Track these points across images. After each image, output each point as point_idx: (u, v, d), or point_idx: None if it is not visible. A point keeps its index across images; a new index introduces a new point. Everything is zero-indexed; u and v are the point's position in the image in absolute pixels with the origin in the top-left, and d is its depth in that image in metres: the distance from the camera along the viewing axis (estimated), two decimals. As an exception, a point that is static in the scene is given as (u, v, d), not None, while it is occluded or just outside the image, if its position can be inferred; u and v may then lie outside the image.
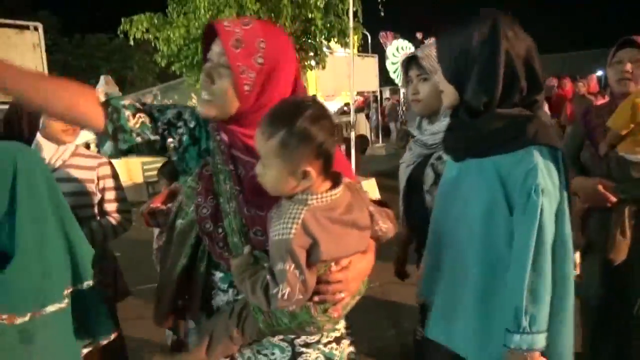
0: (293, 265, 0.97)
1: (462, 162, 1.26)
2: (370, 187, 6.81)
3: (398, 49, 12.44)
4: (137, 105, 1.20)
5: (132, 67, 20.90)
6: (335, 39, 8.09)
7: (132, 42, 7.65)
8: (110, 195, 1.96)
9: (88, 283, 1.28)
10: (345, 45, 8.17)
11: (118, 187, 1.99)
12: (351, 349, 1.32)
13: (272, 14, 7.23)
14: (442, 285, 1.32)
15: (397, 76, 11.78)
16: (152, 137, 1.18)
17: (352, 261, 1.09)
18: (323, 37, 7.66)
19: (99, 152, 1.40)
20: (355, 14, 7.56)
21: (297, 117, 0.97)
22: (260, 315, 1.11)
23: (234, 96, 1.08)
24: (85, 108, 1.09)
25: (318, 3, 7.03)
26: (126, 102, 1.19)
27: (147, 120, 1.18)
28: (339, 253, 1.05)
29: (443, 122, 1.61)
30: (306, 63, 8.02)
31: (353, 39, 7.35)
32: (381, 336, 3.05)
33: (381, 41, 12.35)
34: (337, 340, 1.27)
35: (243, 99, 1.08)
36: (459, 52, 1.19)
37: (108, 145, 1.16)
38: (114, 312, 1.94)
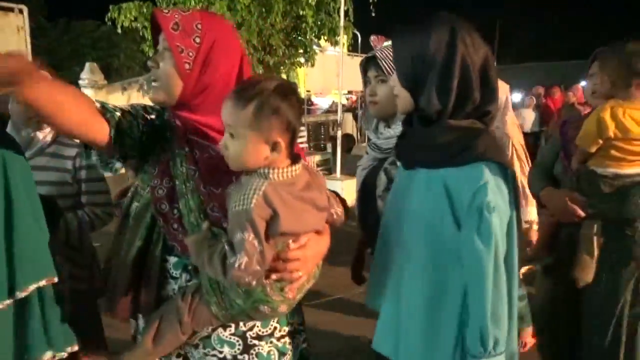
0: (252, 235, 0.99)
1: (412, 170, 1.21)
2: (353, 186, 6.82)
3: None
4: (121, 108, 1.21)
5: (118, 55, 20.58)
6: (326, 37, 8.08)
7: (119, 30, 7.55)
8: (88, 186, 1.89)
9: (40, 283, 1.10)
10: (335, 43, 8.17)
11: (98, 179, 1.91)
12: (305, 345, 1.33)
13: (264, 9, 7.19)
14: (389, 295, 1.25)
15: None
16: (137, 135, 1.20)
17: (310, 240, 1.12)
18: (313, 34, 7.64)
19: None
20: (346, 12, 7.56)
21: (271, 89, 1.02)
22: (213, 298, 1.11)
23: (176, 76, 1.14)
24: (93, 126, 1.10)
25: (309, 0, 7.01)
26: (113, 107, 1.20)
27: (130, 118, 1.20)
28: (297, 228, 1.08)
29: (398, 127, 1.54)
30: (295, 60, 7.98)
31: (343, 38, 7.37)
32: (358, 336, 3.07)
33: (372, 45, 12.36)
34: (291, 335, 1.27)
35: (185, 77, 1.13)
36: (415, 57, 1.13)
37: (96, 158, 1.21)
38: (92, 309, 1.87)
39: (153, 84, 1.18)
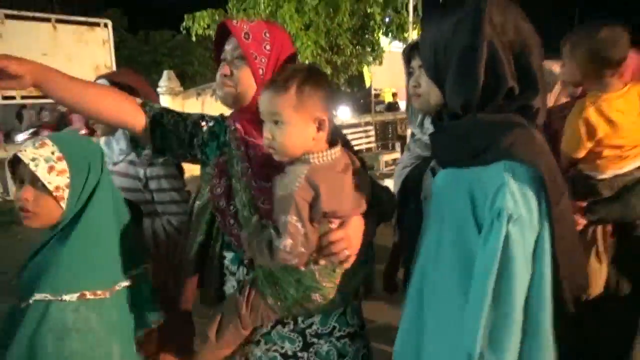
0: (295, 218, 1.03)
1: (445, 170, 1.07)
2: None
3: None
4: (168, 108, 1.34)
5: (192, 62, 21.58)
6: (394, 34, 7.95)
7: (193, 38, 7.87)
8: (159, 196, 1.88)
9: (141, 268, 1.33)
10: (404, 40, 8.00)
11: (170, 189, 1.89)
12: (365, 350, 1.32)
13: (331, 9, 7.19)
14: (410, 304, 1.09)
15: None
16: (183, 135, 1.30)
17: (352, 220, 1.15)
18: (381, 32, 7.54)
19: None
20: (415, 8, 7.39)
21: (303, 71, 1.10)
22: (268, 289, 1.16)
23: (252, 80, 1.21)
24: (128, 109, 1.25)
25: (376, -3, 6.94)
26: (158, 106, 1.34)
27: (178, 119, 1.31)
28: (338, 206, 1.10)
29: None
30: (363, 59, 7.93)
31: (412, 34, 7.20)
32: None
33: None
34: (351, 337, 1.27)
35: (259, 82, 1.21)
36: (438, 44, 0.98)
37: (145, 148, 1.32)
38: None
39: (226, 89, 1.24)
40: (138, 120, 1.25)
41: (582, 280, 1.03)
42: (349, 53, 7.62)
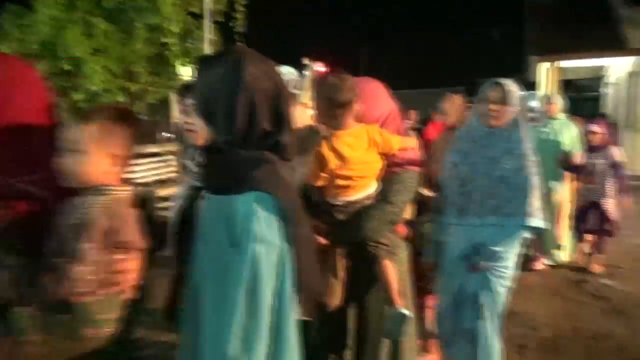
0: (89, 245, 1.14)
1: (210, 196, 1.22)
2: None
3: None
4: None
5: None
6: (193, 64, 8.04)
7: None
8: None
9: None
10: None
11: None
12: None
13: (124, 35, 6.95)
14: (186, 323, 1.24)
15: None
16: None
17: (135, 252, 1.27)
18: (178, 62, 7.56)
19: None
20: (212, 42, 7.64)
21: (112, 109, 1.30)
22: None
23: None
24: None
25: (172, 29, 6.94)
26: None
27: None
28: (128, 237, 1.23)
29: None
30: (160, 88, 7.81)
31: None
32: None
33: None
34: None
35: None
36: (207, 87, 1.16)
37: None
38: None
39: None
40: None
41: (319, 291, 1.28)
42: (144, 81, 7.42)
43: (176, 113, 10.06)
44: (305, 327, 1.91)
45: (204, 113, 1.18)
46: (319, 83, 1.82)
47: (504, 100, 2.20)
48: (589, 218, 4.55)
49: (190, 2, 7.59)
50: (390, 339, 1.89)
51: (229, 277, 1.08)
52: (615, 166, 4.42)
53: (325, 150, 1.73)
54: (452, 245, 2.36)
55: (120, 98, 7.13)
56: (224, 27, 8.19)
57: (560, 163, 4.55)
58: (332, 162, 1.72)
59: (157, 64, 7.73)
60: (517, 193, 2.17)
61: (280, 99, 1.18)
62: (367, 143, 1.78)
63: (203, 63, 1.22)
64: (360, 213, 1.80)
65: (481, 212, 2.20)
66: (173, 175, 9.00)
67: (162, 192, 7.87)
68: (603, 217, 4.46)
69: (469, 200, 2.24)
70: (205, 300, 1.14)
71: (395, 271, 1.86)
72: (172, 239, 1.93)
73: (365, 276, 1.87)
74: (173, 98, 8.91)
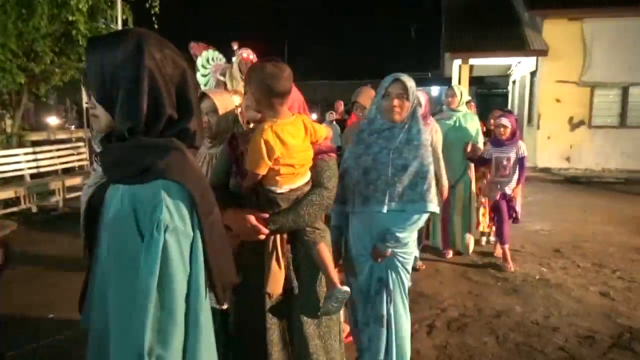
0: None
1: (115, 185, 1.17)
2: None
3: (209, 60, 11.85)
4: None
5: None
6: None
7: None
8: None
9: None
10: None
11: None
12: None
13: (23, 10, 6.35)
14: (93, 315, 1.21)
15: (208, 87, 11.27)
16: None
17: None
18: (85, 42, 7.04)
19: None
20: (125, 22, 7.21)
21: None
22: None
23: None
24: None
25: (80, 6, 6.45)
26: None
27: None
28: None
29: None
30: (68, 69, 7.25)
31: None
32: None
33: (191, 52, 11.77)
34: None
35: None
36: (105, 72, 1.08)
37: None
38: None
39: None
40: None
41: (230, 277, 1.22)
42: (49, 61, 6.85)
43: (85, 97, 9.45)
44: (224, 315, 1.94)
45: (103, 99, 1.11)
46: (255, 70, 1.78)
47: (404, 96, 2.32)
48: (501, 208, 4.69)
49: (101, -22, 7.12)
50: (329, 315, 1.93)
51: (139, 269, 1.03)
52: (521, 159, 4.60)
53: (271, 138, 1.72)
54: (356, 233, 2.44)
55: (21, 79, 6.51)
56: (138, 8, 7.77)
57: (466, 154, 4.73)
58: (278, 150, 1.73)
59: (63, 44, 7.16)
60: (417, 180, 2.30)
61: (185, 84, 1.14)
62: (304, 132, 1.81)
63: (96, 45, 1.12)
64: (302, 200, 1.84)
65: (384, 199, 2.30)
66: (82, 163, 8.46)
67: (71, 181, 7.42)
68: (510, 206, 4.68)
69: (370, 188, 2.34)
70: (114, 292, 1.10)
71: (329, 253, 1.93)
72: (81, 230, 1.82)
73: (305, 261, 1.91)
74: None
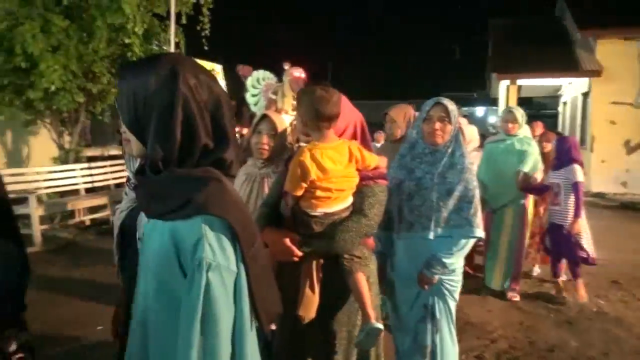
0: None
1: (151, 221, 1.12)
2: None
3: (259, 80, 11.96)
4: None
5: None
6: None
7: None
8: None
9: None
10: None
11: None
12: None
13: (85, 34, 6.72)
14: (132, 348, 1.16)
15: (258, 108, 11.45)
16: None
17: None
18: (141, 63, 7.36)
19: None
20: (177, 44, 7.49)
21: None
22: None
23: None
24: None
25: (136, 29, 6.76)
26: None
27: None
28: None
29: None
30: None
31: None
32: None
33: (239, 74, 12.08)
34: None
35: None
36: (136, 98, 1.03)
37: None
38: None
39: None
40: None
41: (275, 306, 1.17)
42: (106, 81, 7.19)
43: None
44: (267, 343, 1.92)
45: (134, 127, 1.06)
46: (305, 93, 1.81)
47: (446, 119, 2.29)
48: (557, 241, 4.26)
49: (155, 3, 7.43)
50: (361, 349, 1.89)
51: (182, 311, 0.99)
52: (575, 185, 4.09)
53: (307, 160, 1.72)
54: (400, 259, 2.38)
55: (80, 99, 6.85)
56: (189, 31, 8.07)
57: (518, 184, 4.23)
58: (314, 173, 1.72)
59: (119, 65, 7.50)
60: (463, 204, 2.25)
61: (221, 111, 1.08)
62: (348, 159, 1.79)
63: (128, 70, 1.07)
64: (337, 225, 1.80)
65: (429, 225, 2.25)
66: (132, 179, 8.77)
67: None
68: (573, 243, 4.16)
69: (415, 214, 2.30)
70: (155, 333, 1.06)
71: (367, 284, 1.87)
72: (115, 253, 1.86)
73: (338, 289, 1.86)
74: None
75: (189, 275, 0.99)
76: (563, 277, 4.46)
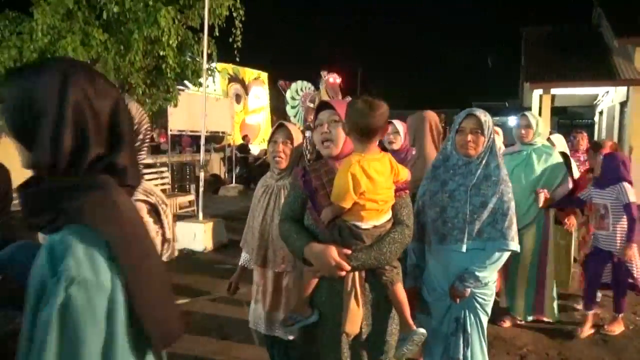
0: None
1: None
2: (216, 228, 6.78)
3: (297, 91, 11.75)
4: None
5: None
6: (189, 79, 8.09)
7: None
8: None
9: None
10: (199, 85, 8.19)
11: None
12: None
13: (122, 47, 6.97)
14: None
15: (297, 120, 11.67)
16: None
17: None
18: (175, 75, 7.57)
19: None
20: (210, 55, 7.67)
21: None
22: None
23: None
24: None
25: (171, 42, 6.97)
26: None
27: None
28: None
29: None
30: (157, 100, 7.82)
31: (206, 80, 7.45)
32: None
33: (280, 88, 12.33)
34: None
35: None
36: (22, 104, 0.95)
37: None
38: None
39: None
40: None
41: (173, 327, 1.05)
42: (141, 93, 7.42)
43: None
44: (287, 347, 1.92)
45: (22, 136, 0.98)
46: (350, 105, 1.82)
47: (478, 130, 2.27)
48: (600, 269, 3.82)
49: (190, 16, 7.64)
50: (403, 358, 1.89)
51: (36, 335, 0.87)
52: (626, 207, 3.59)
53: (358, 172, 1.72)
54: (433, 271, 2.37)
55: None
56: (222, 42, 8.26)
57: (539, 202, 3.68)
58: (364, 184, 1.72)
59: (154, 76, 7.75)
60: (497, 217, 2.22)
61: (117, 114, 1.01)
62: (390, 170, 1.82)
63: (15, 76, 1.00)
64: (384, 237, 1.81)
65: (462, 237, 2.23)
66: (167, 187, 9.00)
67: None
68: (623, 271, 3.71)
69: (448, 226, 2.28)
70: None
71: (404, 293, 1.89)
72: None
73: (383, 300, 1.87)
74: (169, 110, 8.96)
75: (45, 295, 0.88)
76: (595, 310, 4.01)
